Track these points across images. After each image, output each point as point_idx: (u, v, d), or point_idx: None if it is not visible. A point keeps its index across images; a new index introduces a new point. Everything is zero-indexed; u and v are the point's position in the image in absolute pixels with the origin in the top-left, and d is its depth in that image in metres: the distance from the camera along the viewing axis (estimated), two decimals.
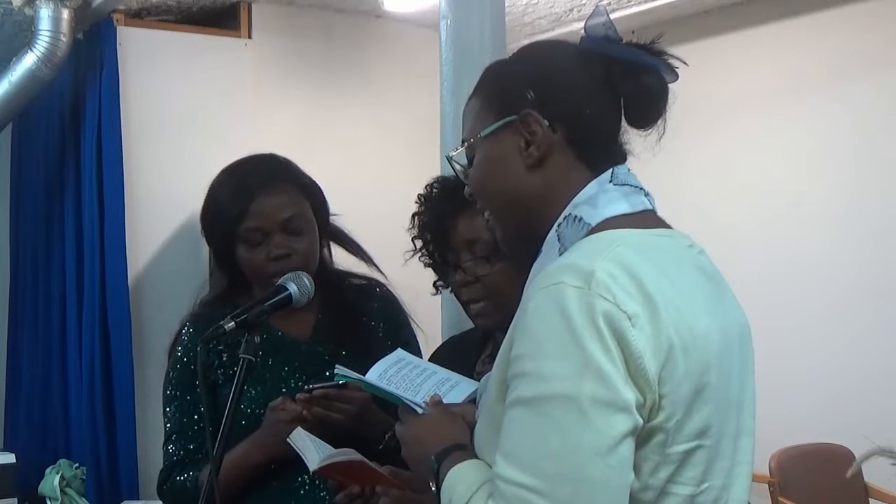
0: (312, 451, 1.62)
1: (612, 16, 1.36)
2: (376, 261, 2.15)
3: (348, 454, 1.58)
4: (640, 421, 1.10)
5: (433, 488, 1.27)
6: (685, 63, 1.28)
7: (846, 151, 4.13)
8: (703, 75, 4.24)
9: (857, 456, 2.68)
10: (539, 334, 1.11)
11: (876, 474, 3.50)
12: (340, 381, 1.80)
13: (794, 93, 4.31)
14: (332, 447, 1.65)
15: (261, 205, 1.94)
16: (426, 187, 1.87)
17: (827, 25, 4.20)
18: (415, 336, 2.13)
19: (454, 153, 1.40)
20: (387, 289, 2.14)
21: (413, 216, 1.86)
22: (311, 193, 2.03)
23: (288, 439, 1.69)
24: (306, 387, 1.84)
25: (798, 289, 4.24)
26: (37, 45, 3.63)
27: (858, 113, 4.10)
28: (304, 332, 2.01)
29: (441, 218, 1.79)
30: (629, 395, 1.09)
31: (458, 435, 1.33)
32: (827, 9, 4.20)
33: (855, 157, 4.10)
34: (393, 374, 1.68)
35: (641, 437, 1.12)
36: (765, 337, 4.21)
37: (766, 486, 3.61)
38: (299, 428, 1.72)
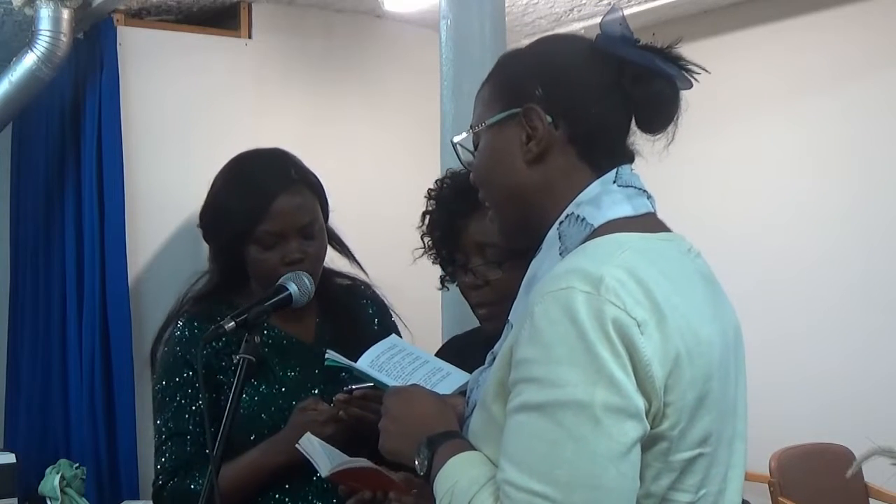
0: (323, 456, 1.60)
1: None
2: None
3: (361, 462, 1.56)
4: (648, 427, 1.10)
5: (419, 469, 1.25)
6: (706, 70, 1.27)
7: (849, 151, 4.12)
8: (703, 75, 4.19)
9: (857, 456, 2.68)
10: (548, 339, 1.09)
11: (876, 474, 3.50)
12: (344, 376, 1.79)
13: (795, 93, 4.31)
14: (343, 454, 1.63)
15: (280, 207, 1.89)
16: (437, 182, 1.83)
17: (827, 25, 4.20)
18: (401, 336, 2.12)
19: (459, 138, 1.38)
20: (373, 290, 2.12)
21: (424, 213, 1.82)
22: (319, 193, 2.01)
23: (297, 445, 1.67)
24: (345, 387, 1.82)
25: (800, 290, 4.23)
26: (37, 45, 3.63)
27: (860, 113, 4.09)
28: (308, 334, 2.00)
29: (452, 217, 1.76)
30: (639, 401, 1.09)
31: (451, 421, 1.31)
32: (827, 9, 4.19)
33: (858, 157, 4.10)
34: (385, 360, 1.68)
35: (645, 444, 1.11)
36: (766, 338, 4.21)
37: (766, 486, 3.60)
38: (309, 434, 1.69)
